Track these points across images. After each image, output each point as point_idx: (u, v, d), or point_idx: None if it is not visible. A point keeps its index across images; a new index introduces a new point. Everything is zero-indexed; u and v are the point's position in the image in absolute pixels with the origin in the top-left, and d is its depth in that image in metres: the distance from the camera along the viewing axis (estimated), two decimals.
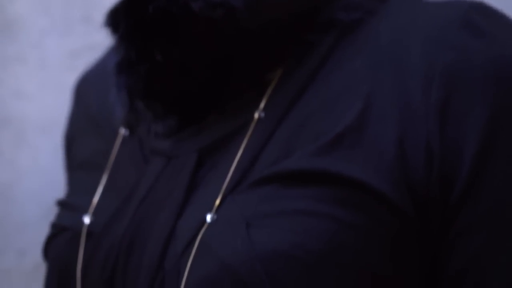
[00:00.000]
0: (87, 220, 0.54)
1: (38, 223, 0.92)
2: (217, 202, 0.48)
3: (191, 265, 0.46)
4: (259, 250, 0.44)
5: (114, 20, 0.52)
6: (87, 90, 0.64)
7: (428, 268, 0.48)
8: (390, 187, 0.46)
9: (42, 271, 0.58)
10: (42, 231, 0.60)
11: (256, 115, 0.50)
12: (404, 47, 0.48)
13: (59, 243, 0.55)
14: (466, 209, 0.46)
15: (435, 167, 0.46)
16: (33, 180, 1.03)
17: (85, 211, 0.54)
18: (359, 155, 0.46)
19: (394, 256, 0.46)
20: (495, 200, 0.46)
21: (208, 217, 0.47)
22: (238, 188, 0.48)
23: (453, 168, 0.46)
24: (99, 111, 0.61)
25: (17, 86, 0.98)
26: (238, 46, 0.50)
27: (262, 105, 0.50)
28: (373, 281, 0.45)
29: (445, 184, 0.46)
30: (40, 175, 0.99)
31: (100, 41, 0.64)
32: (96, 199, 0.55)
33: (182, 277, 0.46)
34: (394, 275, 0.46)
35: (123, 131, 0.57)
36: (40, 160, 1.06)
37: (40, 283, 0.57)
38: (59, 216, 0.57)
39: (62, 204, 0.58)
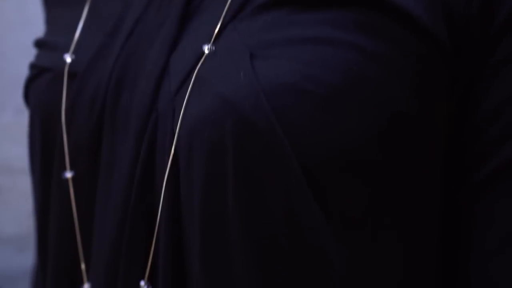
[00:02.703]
0: (68, 58, 0.47)
1: None
2: (216, 31, 0.41)
3: (187, 103, 0.40)
4: (265, 83, 0.38)
5: None
6: None
7: (455, 111, 0.42)
8: (421, 7, 0.39)
9: None
10: None
11: None
12: None
13: (40, 85, 0.49)
14: None
15: None
16: (22, 33, 0.99)
17: (66, 50, 0.48)
18: None
19: (420, 92, 0.40)
20: None
21: (206, 48, 0.41)
22: (240, 14, 0.41)
23: None
24: None
25: None
26: None
27: None
28: (393, 120, 0.39)
29: None
30: (28, 28, 0.94)
31: None
32: (77, 35, 0.48)
33: (178, 117, 0.40)
34: (418, 114, 0.40)
35: None
36: (27, 11, 1.01)
37: None
38: (38, 57, 0.51)
39: (40, 44, 0.52)
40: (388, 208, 0.41)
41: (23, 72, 0.52)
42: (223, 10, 0.42)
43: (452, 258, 0.44)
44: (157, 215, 0.42)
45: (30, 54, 0.53)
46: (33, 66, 0.50)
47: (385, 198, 0.41)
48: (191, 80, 0.40)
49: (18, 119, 1.09)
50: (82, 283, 0.47)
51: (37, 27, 0.88)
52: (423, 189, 0.42)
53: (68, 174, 0.47)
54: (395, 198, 0.41)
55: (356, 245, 0.41)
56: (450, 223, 0.44)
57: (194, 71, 0.40)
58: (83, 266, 0.47)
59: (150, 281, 0.43)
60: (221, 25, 0.41)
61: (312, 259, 0.40)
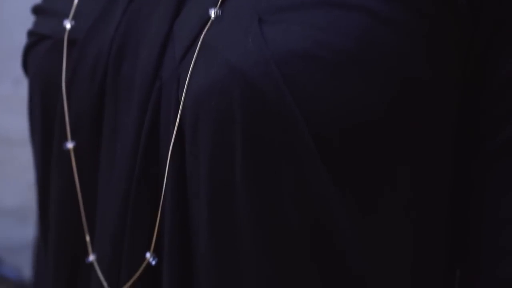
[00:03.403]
0: (68, 25, 0.46)
1: None
2: None
3: (193, 71, 0.38)
4: (275, 49, 0.37)
5: None
6: None
7: (471, 75, 0.40)
8: None
9: None
10: None
11: None
12: None
13: (39, 53, 0.47)
14: None
15: None
16: (20, 2, 0.98)
17: (65, 16, 0.46)
18: None
19: (433, 57, 0.39)
20: None
21: (212, 13, 0.39)
22: None
23: None
24: None
25: None
26: None
27: None
28: (405, 85, 0.38)
29: None
30: None
31: None
32: (76, 0, 0.46)
33: (183, 85, 0.39)
34: (430, 79, 0.39)
35: None
36: None
37: None
38: (37, 23, 0.49)
39: (38, 10, 0.50)
40: (399, 176, 0.40)
41: (21, 41, 0.50)
42: None
43: (462, 226, 0.43)
44: (162, 186, 0.41)
45: (28, 23, 0.51)
46: (31, 33, 0.48)
47: (396, 165, 0.40)
48: (196, 47, 0.39)
49: (17, 90, 1.08)
50: (85, 254, 0.46)
51: None
52: (435, 155, 0.41)
53: (70, 145, 0.45)
54: (406, 165, 0.40)
55: (366, 214, 0.40)
56: (460, 192, 0.43)
57: (199, 37, 0.39)
58: (87, 238, 0.46)
59: (155, 253, 0.42)
60: None
61: (321, 229, 0.39)
